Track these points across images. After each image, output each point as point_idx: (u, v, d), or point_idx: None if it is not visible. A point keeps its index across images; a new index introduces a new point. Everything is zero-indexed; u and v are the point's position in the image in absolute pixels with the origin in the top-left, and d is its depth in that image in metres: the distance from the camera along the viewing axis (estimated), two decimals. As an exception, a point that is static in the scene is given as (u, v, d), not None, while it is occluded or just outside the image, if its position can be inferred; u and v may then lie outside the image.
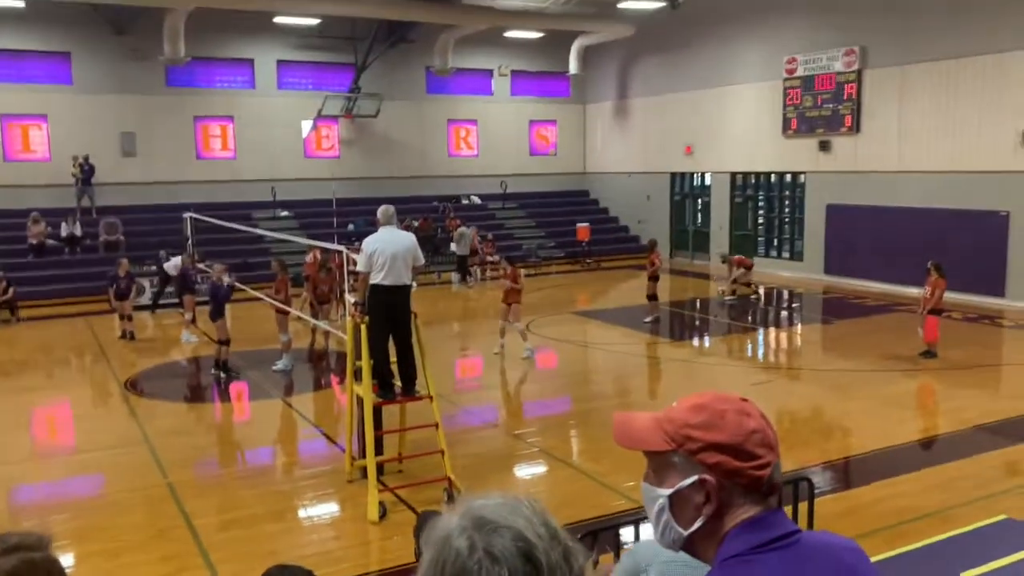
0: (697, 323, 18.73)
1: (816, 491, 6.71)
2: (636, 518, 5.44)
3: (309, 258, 17.23)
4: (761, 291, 20.22)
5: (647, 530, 5.45)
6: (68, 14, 22.26)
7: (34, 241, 21.48)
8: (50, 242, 21.79)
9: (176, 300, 18.03)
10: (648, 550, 2.17)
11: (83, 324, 18.06)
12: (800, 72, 22.25)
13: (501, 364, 13.93)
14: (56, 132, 23.30)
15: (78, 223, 22.26)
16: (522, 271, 14.91)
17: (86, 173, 22.80)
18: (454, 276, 23.28)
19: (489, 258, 24.88)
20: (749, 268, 20.06)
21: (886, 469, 8.81)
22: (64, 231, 21.99)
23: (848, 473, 9.01)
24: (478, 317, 19.81)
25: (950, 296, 14.64)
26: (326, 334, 15.04)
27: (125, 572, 6.81)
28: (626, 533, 5.63)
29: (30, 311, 19.08)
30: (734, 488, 1.51)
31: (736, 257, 20.54)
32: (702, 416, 1.53)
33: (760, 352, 15.57)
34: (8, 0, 20.61)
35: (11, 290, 18.72)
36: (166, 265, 18.57)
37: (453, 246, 23.55)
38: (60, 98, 23.29)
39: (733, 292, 19.72)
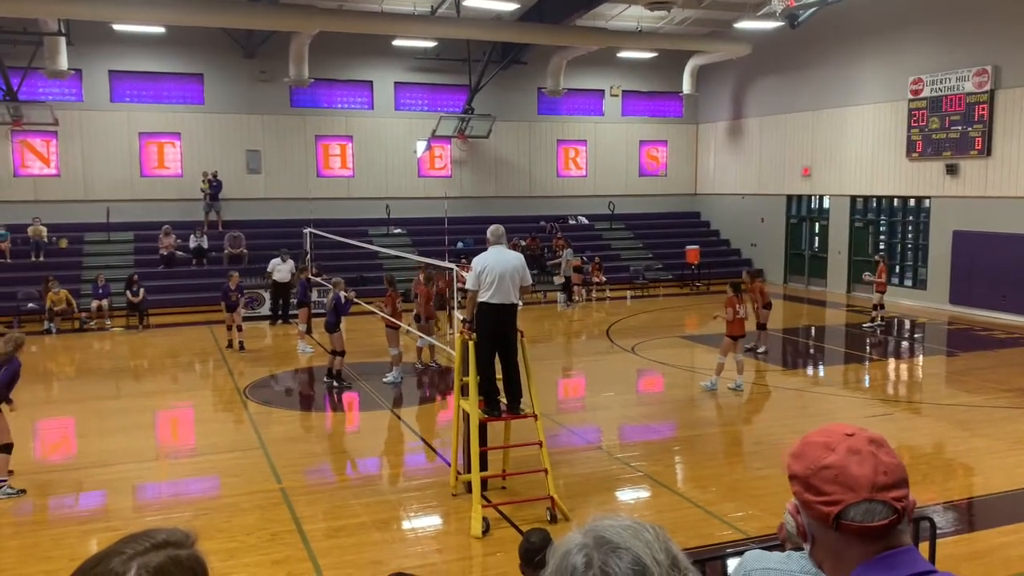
0: (811, 351, 18.12)
1: (937, 531, 6.39)
2: (744, 548, 5.31)
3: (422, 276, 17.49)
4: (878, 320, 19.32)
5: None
6: (202, 38, 23.60)
7: (164, 252, 22.73)
8: (179, 254, 23.02)
9: (295, 312, 18.70)
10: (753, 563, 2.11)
11: (207, 332, 18.97)
12: (926, 93, 21.34)
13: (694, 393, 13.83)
14: (188, 149, 24.67)
15: (205, 236, 23.47)
16: (736, 302, 13.13)
17: (214, 188, 24.04)
18: (560, 296, 23.31)
19: (595, 280, 24.81)
20: (882, 291, 19.01)
21: (1014, 513, 8.30)
22: (192, 243, 23.20)
23: (972, 515, 8.53)
24: (581, 337, 19.75)
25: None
26: (431, 348, 15.29)
27: (239, 572, 7.07)
28: (733, 564, 5.49)
29: (158, 318, 20.19)
30: (813, 522, 1.54)
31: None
32: (798, 445, 1.60)
33: (878, 383, 14.93)
34: (150, 26, 22.02)
35: (141, 291, 19.76)
36: (279, 267, 19.44)
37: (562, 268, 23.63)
38: (192, 117, 24.67)
39: (873, 319, 18.85)
